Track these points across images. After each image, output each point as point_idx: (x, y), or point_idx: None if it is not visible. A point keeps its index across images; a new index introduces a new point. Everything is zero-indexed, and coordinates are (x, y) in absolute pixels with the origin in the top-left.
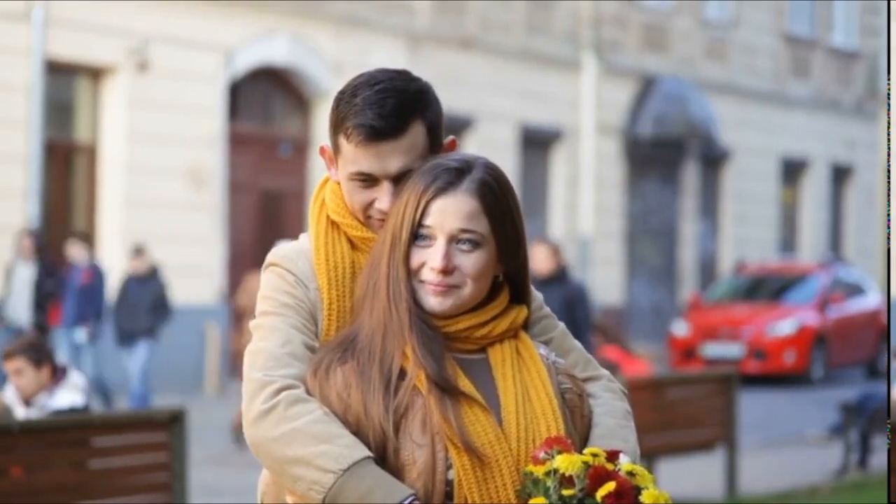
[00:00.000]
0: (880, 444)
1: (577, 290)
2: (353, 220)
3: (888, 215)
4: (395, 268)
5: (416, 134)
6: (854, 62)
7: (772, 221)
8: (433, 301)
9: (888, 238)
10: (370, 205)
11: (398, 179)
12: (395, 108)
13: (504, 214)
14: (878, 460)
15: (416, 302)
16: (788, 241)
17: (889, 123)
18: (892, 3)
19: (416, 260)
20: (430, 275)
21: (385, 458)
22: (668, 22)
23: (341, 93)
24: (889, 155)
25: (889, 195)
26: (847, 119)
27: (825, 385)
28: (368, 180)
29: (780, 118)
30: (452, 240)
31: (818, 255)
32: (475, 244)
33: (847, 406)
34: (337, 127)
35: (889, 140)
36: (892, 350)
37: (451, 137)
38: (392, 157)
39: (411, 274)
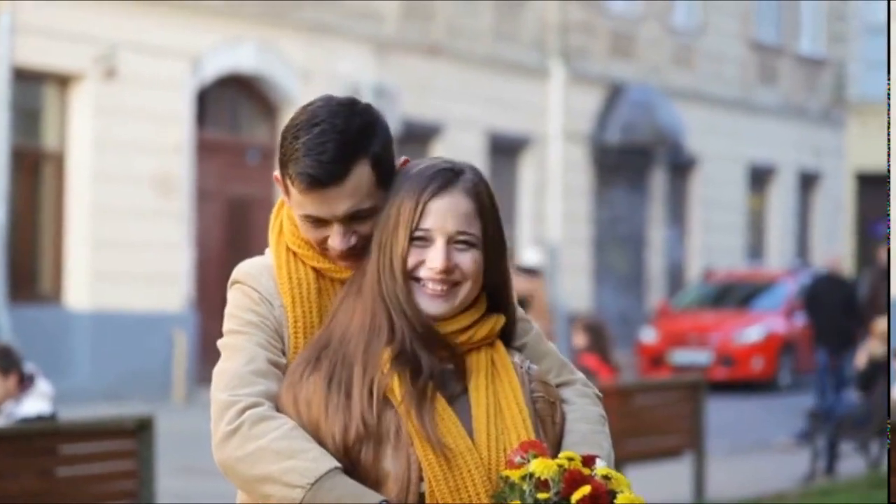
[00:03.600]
0: (847, 450)
1: None
2: (310, 250)
3: (888, 215)
4: (385, 271)
5: (361, 174)
6: (821, 69)
7: (739, 228)
8: (431, 304)
9: (888, 238)
10: (325, 240)
11: (349, 219)
12: (335, 153)
13: (493, 219)
14: (845, 466)
15: (409, 304)
16: (756, 248)
17: (889, 123)
18: (892, 3)
19: (412, 260)
20: (428, 273)
21: (355, 469)
22: (636, 29)
23: (286, 129)
24: (889, 155)
25: (889, 195)
26: (814, 126)
27: (793, 392)
28: (318, 221)
29: (748, 125)
30: (451, 241)
31: (786, 262)
32: (470, 245)
33: (814, 413)
34: (283, 167)
35: (889, 140)
36: (892, 350)
37: (403, 158)
38: (337, 202)
39: (407, 276)
